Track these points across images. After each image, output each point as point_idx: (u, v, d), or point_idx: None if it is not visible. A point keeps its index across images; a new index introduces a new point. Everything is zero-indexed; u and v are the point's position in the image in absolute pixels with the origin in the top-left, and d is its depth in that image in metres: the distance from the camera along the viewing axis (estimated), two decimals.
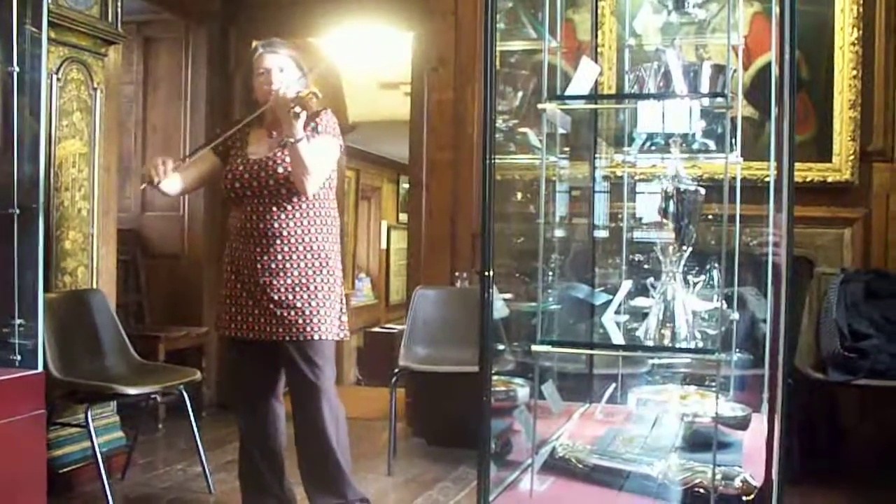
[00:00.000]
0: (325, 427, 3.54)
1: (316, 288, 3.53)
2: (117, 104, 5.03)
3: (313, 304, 3.52)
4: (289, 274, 3.50)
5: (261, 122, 3.64)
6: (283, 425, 3.76)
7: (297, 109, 3.32)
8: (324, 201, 3.60)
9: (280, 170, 3.48)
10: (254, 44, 3.74)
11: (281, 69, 3.56)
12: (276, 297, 3.49)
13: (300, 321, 3.49)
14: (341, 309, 3.65)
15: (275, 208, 3.50)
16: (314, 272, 3.54)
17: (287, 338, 3.51)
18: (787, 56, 2.51)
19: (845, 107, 4.88)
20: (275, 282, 3.49)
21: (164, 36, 6.35)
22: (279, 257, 3.49)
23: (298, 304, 3.49)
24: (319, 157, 3.45)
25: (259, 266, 3.50)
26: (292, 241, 3.51)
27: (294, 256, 3.51)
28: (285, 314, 3.49)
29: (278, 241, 3.50)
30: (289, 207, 3.51)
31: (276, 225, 3.49)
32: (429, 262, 5.69)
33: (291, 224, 3.51)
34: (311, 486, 3.64)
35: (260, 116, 3.60)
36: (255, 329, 3.55)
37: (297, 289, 3.50)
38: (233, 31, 6.29)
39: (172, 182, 3.54)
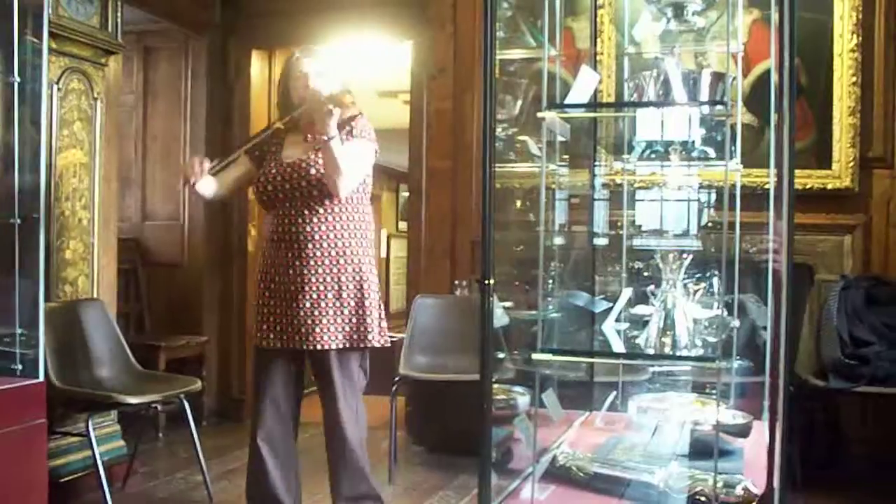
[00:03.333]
0: (347, 435, 3.54)
1: (348, 295, 3.51)
2: (117, 114, 5.04)
3: (345, 311, 3.50)
4: (321, 280, 3.47)
5: (297, 127, 3.64)
6: (296, 441, 3.73)
7: (331, 106, 3.34)
8: (357, 205, 3.58)
9: (313, 171, 3.47)
10: (293, 51, 3.76)
11: (319, 73, 3.58)
12: (307, 305, 3.46)
13: (331, 329, 3.48)
14: (379, 315, 3.61)
15: (307, 211, 3.48)
16: (347, 278, 3.51)
17: (315, 346, 3.48)
18: (786, 63, 2.51)
19: (845, 113, 4.89)
20: (306, 288, 3.46)
21: (164, 46, 6.36)
22: (311, 262, 3.46)
23: (330, 313, 3.47)
24: (354, 159, 3.45)
25: (291, 272, 3.48)
26: (325, 245, 3.48)
27: (326, 261, 3.48)
28: (315, 321, 3.46)
29: (310, 246, 3.47)
30: (321, 211, 3.49)
31: (308, 228, 3.47)
32: (428, 271, 5.69)
33: (324, 228, 3.49)
34: (334, 482, 3.63)
35: (295, 121, 3.61)
36: (283, 338, 3.52)
37: (330, 296, 3.48)
38: (232, 41, 6.30)
39: (207, 184, 3.56)
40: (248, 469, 3.68)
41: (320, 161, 3.46)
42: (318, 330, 3.47)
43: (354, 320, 3.52)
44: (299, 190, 3.48)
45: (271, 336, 3.53)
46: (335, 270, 3.49)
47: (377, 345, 3.61)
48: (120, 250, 5.11)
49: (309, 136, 3.57)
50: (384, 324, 3.63)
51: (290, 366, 3.61)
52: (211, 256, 6.24)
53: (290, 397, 3.65)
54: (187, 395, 4.38)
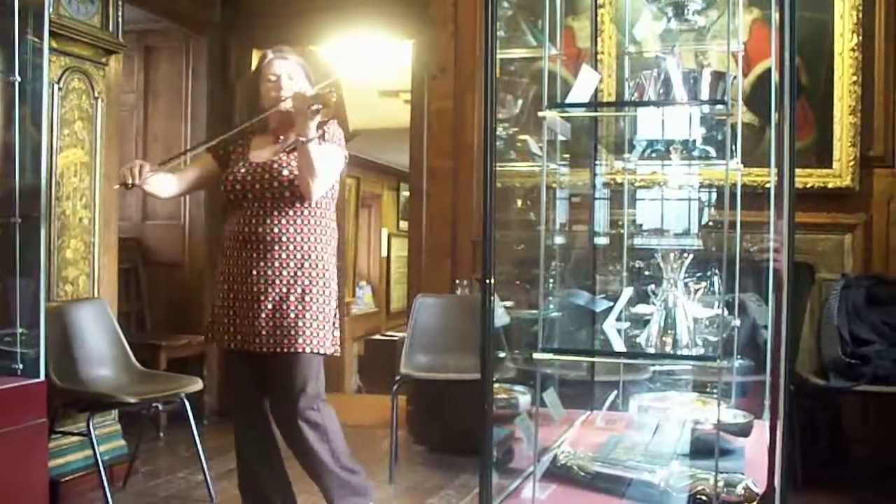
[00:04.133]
0: (311, 446, 3.45)
1: (311, 299, 3.45)
2: (118, 113, 5.04)
3: (307, 315, 3.44)
4: (284, 282, 3.42)
5: (264, 128, 3.61)
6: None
7: (317, 107, 3.30)
8: (325, 210, 3.53)
9: (285, 172, 3.43)
10: (265, 51, 3.72)
11: (290, 76, 3.54)
12: (269, 307, 3.41)
13: (291, 332, 3.41)
14: (334, 324, 3.56)
15: (275, 213, 3.43)
16: (310, 282, 3.46)
17: (276, 349, 3.42)
18: (786, 62, 2.51)
19: (845, 112, 4.89)
20: (269, 290, 3.41)
21: (164, 45, 6.36)
22: (276, 264, 3.42)
23: (291, 315, 3.41)
24: (326, 163, 3.41)
25: (255, 273, 3.42)
26: (291, 247, 3.43)
27: (291, 264, 3.43)
28: (276, 324, 3.41)
29: (276, 247, 3.42)
30: (290, 213, 3.45)
31: (275, 230, 3.42)
32: (429, 270, 5.69)
33: (292, 230, 3.44)
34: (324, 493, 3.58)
35: (264, 123, 3.58)
36: (247, 340, 3.46)
37: (292, 298, 3.42)
38: (233, 41, 6.30)
39: (163, 182, 3.52)
40: (237, 468, 3.69)
41: (293, 163, 3.43)
42: (278, 333, 3.41)
43: (315, 325, 3.46)
44: (270, 191, 3.44)
45: (238, 337, 3.47)
46: (299, 273, 3.44)
47: (331, 352, 3.54)
48: (120, 250, 5.12)
49: (281, 136, 3.55)
50: (338, 333, 3.58)
51: (255, 366, 3.54)
52: (212, 256, 6.23)
53: (261, 395, 3.58)
54: (188, 394, 4.38)
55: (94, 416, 4.08)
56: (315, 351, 3.44)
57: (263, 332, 3.42)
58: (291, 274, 3.43)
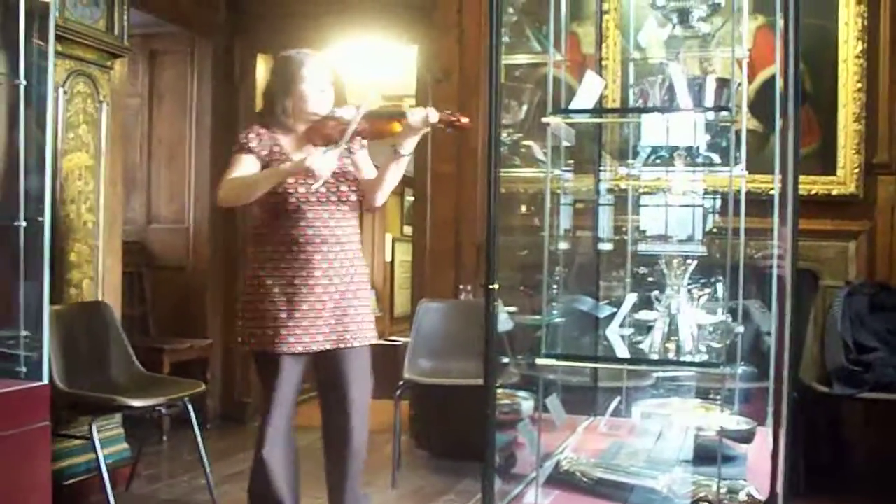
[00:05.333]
0: (355, 445, 3.58)
1: (363, 295, 3.61)
2: (123, 117, 5.04)
3: (367, 309, 3.62)
4: (343, 280, 3.53)
5: (292, 130, 3.59)
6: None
7: (428, 127, 3.44)
8: (358, 210, 3.68)
9: (351, 176, 3.56)
10: (302, 53, 3.69)
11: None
12: (331, 305, 3.51)
13: (362, 326, 3.57)
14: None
15: (338, 215, 3.54)
16: (361, 279, 3.61)
17: (355, 343, 3.54)
18: (791, 69, 2.51)
19: (850, 119, 4.88)
20: (332, 288, 3.51)
21: (169, 49, 6.36)
22: (336, 264, 3.52)
23: (352, 311, 3.55)
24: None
25: (318, 273, 3.49)
26: (349, 247, 3.56)
27: (347, 263, 3.56)
28: (338, 321, 3.51)
29: (338, 248, 3.53)
30: (350, 214, 3.58)
31: (338, 231, 3.53)
32: (433, 275, 5.69)
33: (349, 231, 3.57)
34: (338, 484, 3.62)
35: (296, 126, 3.58)
36: (301, 340, 3.49)
37: (349, 295, 3.54)
38: (238, 44, 6.31)
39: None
40: (252, 474, 3.64)
41: (350, 168, 3.57)
42: (339, 329, 3.52)
43: (368, 318, 3.63)
44: (337, 194, 3.53)
45: (291, 340, 3.49)
46: (353, 271, 3.57)
47: (376, 340, 3.71)
48: (125, 253, 5.12)
49: (318, 142, 3.54)
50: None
51: (299, 370, 3.60)
52: (216, 260, 6.25)
53: (295, 402, 3.65)
54: (191, 398, 4.38)
55: (97, 420, 4.08)
56: (375, 341, 3.65)
57: (326, 330, 3.50)
58: (346, 272, 3.55)
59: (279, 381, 3.53)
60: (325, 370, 3.60)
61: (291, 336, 3.48)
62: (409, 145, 3.46)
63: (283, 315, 3.48)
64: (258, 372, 3.66)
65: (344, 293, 3.53)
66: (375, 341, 3.66)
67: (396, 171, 3.52)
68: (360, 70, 6.89)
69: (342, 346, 3.52)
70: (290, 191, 3.50)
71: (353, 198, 3.56)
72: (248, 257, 3.73)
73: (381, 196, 3.57)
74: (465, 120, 3.46)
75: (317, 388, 3.72)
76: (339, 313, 3.52)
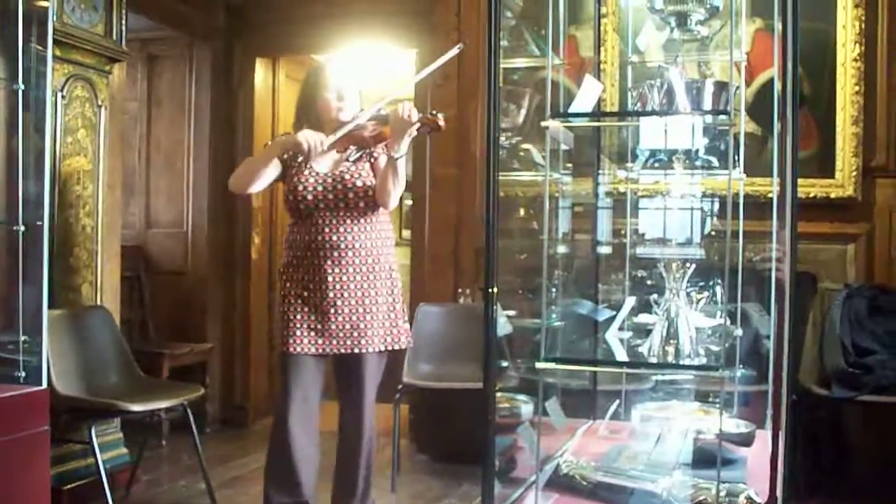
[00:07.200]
0: (368, 439, 3.66)
1: (382, 301, 3.61)
2: (121, 121, 5.05)
3: (379, 317, 3.60)
4: (359, 286, 3.56)
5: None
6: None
7: (425, 130, 3.51)
8: (383, 215, 3.68)
9: (359, 183, 3.57)
10: (330, 62, 3.77)
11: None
12: (345, 311, 3.54)
13: (361, 334, 3.56)
14: (405, 318, 3.74)
15: (348, 221, 3.57)
16: (381, 284, 3.61)
17: (353, 350, 3.57)
18: (789, 72, 2.52)
19: (848, 123, 4.89)
20: (345, 294, 3.55)
21: (168, 53, 6.36)
22: (350, 270, 3.55)
23: (367, 318, 3.56)
24: (404, 176, 3.59)
25: (330, 279, 3.54)
26: (363, 253, 3.58)
27: (363, 269, 3.57)
28: (353, 326, 3.55)
29: (350, 254, 3.56)
30: (362, 220, 3.59)
31: (349, 237, 3.56)
32: (432, 279, 5.69)
33: (363, 237, 3.58)
34: (346, 484, 3.69)
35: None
36: (318, 343, 3.57)
37: (367, 301, 3.57)
38: (237, 48, 6.30)
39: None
40: (269, 454, 3.69)
41: (362, 173, 3.59)
42: (355, 335, 3.56)
43: (387, 324, 3.63)
44: (345, 201, 3.57)
45: (305, 341, 3.57)
46: (371, 277, 3.59)
47: (406, 346, 3.74)
48: (123, 258, 5.11)
49: (352, 147, 3.59)
50: (407, 325, 3.76)
51: (318, 370, 3.67)
52: (215, 264, 6.24)
53: (316, 399, 3.70)
54: (191, 402, 4.37)
55: (96, 424, 4.07)
56: (389, 348, 3.65)
57: (341, 335, 3.56)
58: (364, 278, 3.58)
59: (292, 376, 3.61)
60: (342, 372, 3.69)
61: (306, 338, 3.57)
62: (400, 147, 3.47)
63: (299, 317, 3.58)
64: (279, 370, 3.73)
65: (361, 299, 3.57)
66: (399, 347, 3.68)
67: (393, 174, 3.51)
68: (359, 74, 6.90)
69: (357, 350, 3.58)
70: (300, 197, 3.58)
71: (362, 205, 3.57)
72: None
73: (389, 199, 3.56)
74: (441, 123, 3.52)
75: (335, 389, 3.79)
76: (355, 319, 3.56)
